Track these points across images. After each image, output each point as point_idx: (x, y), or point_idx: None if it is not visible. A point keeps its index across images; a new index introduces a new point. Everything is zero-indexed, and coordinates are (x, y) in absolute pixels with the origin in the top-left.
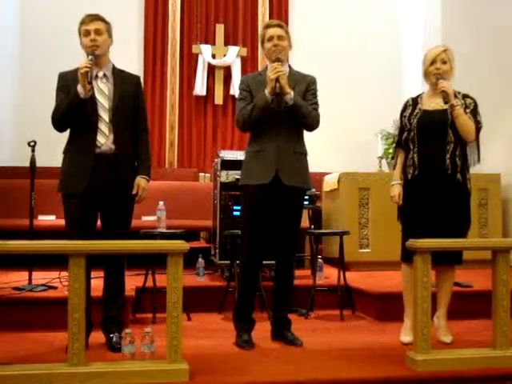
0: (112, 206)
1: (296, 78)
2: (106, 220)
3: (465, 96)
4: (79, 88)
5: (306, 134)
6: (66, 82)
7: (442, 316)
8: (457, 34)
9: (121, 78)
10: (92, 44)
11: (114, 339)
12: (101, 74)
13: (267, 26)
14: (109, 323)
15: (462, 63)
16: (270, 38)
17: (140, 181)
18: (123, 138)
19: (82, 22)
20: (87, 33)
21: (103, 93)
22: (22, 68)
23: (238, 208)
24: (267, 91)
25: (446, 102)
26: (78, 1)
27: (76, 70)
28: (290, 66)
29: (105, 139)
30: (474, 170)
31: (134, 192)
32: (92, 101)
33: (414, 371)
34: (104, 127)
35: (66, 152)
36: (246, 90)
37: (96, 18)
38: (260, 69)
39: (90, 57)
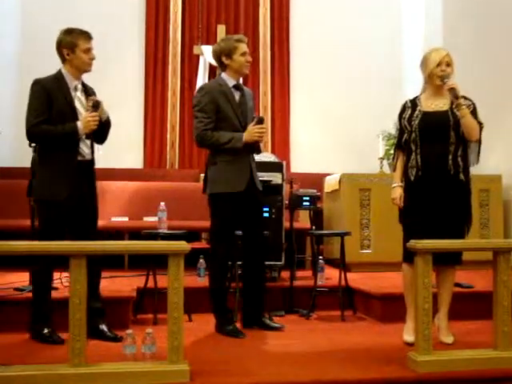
0: (87, 209)
1: (248, 94)
2: (78, 222)
3: (463, 97)
4: (81, 130)
5: (305, 133)
6: (44, 90)
7: (443, 317)
8: (457, 34)
9: (89, 89)
10: (91, 63)
11: (106, 328)
12: (79, 86)
13: (240, 41)
14: (96, 316)
15: (463, 64)
16: (244, 53)
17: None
18: (93, 146)
19: (81, 38)
20: (88, 50)
21: (82, 103)
22: (21, 69)
23: None
24: (244, 140)
25: (456, 98)
26: (78, 3)
27: (52, 79)
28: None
29: (87, 148)
30: (475, 170)
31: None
32: (73, 111)
33: (415, 372)
34: (85, 137)
35: (45, 159)
36: (211, 102)
37: (91, 35)
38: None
39: (98, 112)
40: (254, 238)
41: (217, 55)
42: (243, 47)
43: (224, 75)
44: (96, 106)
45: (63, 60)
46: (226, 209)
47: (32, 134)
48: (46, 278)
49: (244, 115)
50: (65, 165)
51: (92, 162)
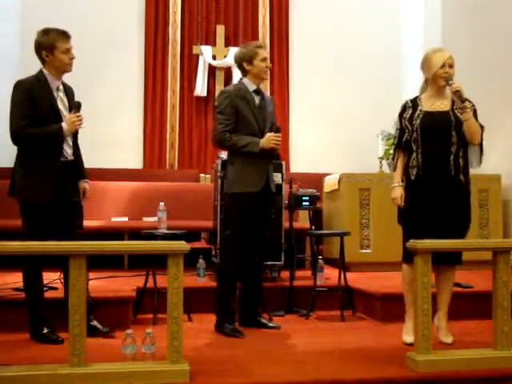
0: (71, 209)
1: (268, 100)
2: (63, 222)
3: (466, 100)
4: (66, 131)
5: (305, 133)
6: (27, 92)
7: (442, 317)
8: (457, 34)
9: (68, 89)
10: (72, 63)
11: (97, 323)
12: (61, 86)
13: (260, 47)
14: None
15: (462, 64)
16: (264, 59)
17: (86, 184)
18: (76, 146)
19: (59, 39)
20: (68, 51)
21: (64, 104)
22: (21, 69)
23: None
24: (261, 146)
25: (462, 101)
26: (78, 3)
27: (34, 80)
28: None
29: (69, 149)
30: (474, 170)
31: (82, 195)
32: (56, 112)
33: (414, 372)
34: (68, 138)
35: (27, 160)
36: (231, 105)
37: (69, 35)
38: None
39: (80, 112)
40: (257, 239)
41: (238, 61)
42: (263, 53)
43: (245, 80)
44: (78, 106)
45: (43, 62)
46: (242, 208)
47: (17, 136)
48: (36, 278)
49: (263, 119)
50: (48, 166)
51: (74, 161)
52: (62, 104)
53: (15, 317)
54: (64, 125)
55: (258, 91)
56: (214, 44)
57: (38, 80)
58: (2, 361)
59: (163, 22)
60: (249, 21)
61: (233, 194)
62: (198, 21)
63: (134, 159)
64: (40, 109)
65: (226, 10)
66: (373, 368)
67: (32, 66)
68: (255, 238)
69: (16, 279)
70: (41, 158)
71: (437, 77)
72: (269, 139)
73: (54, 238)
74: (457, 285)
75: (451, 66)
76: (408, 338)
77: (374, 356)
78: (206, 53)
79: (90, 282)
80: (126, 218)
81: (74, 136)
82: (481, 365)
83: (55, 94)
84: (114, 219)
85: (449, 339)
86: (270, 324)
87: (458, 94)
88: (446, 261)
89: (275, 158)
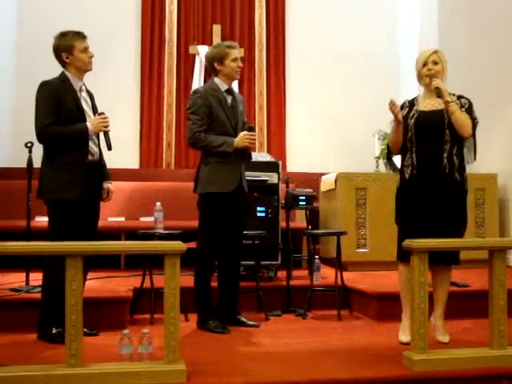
0: (93, 208)
1: (239, 99)
2: (84, 223)
3: (460, 97)
4: (90, 131)
5: (301, 133)
6: (53, 92)
7: (439, 316)
8: (454, 34)
9: (88, 90)
10: (91, 61)
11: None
12: (83, 87)
13: (231, 47)
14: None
15: (460, 63)
16: (235, 59)
17: (110, 186)
18: (100, 145)
19: (76, 39)
20: (85, 49)
21: (88, 104)
22: (19, 69)
23: None
24: (235, 145)
25: (439, 97)
26: (76, 3)
27: (58, 81)
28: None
29: (96, 148)
30: (470, 169)
31: (106, 196)
32: (81, 112)
33: (411, 371)
34: (94, 137)
35: (55, 159)
36: (205, 105)
37: (85, 35)
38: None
39: (104, 114)
40: (233, 238)
41: (209, 61)
42: (234, 53)
43: (217, 80)
44: (101, 113)
45: (63, 64)
46: (216, 208)
47: (44, 134)
48: (60, 276)
49: (235, 118)
50: (76, 164)
51: (100, 162)
52: (85, 104)
53: (13, 317)
54: (89, 125)
55: (229, 91)
56: (210, 44)
57: (62, 81)
58: (0, 361)
59: (159, 22)
60: (245, 20)
61: (207, 194)
62: (194, 20)
63: (130, 159)
64: (65, 108)
65: (223, 9)
66: (369, 367)
67: (29, 68)
68: (231, 238)
69: (14, 279)
70: (69, 157)
71: (421, 76)
72: (243, 138)
73: (76, 237)
74: (453, 284)
75: (436, 63)
76: (404, 337)
77: (370, 355)
78: (202, 52)
79: (88, 282)
80: (122, 218)
81: (98, 138)
82: (477, 364)
83: (78, 94)
84: (110, 219)
85: (445, 338)
86: (249, 322)
87: (436, 90)
88: (443, 261)
89: (247, 157)
